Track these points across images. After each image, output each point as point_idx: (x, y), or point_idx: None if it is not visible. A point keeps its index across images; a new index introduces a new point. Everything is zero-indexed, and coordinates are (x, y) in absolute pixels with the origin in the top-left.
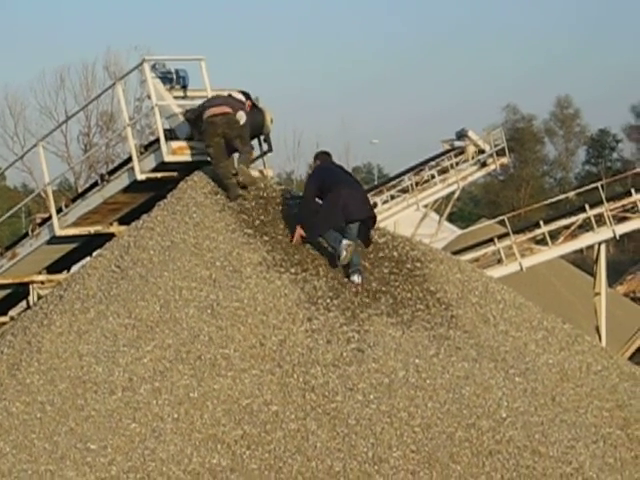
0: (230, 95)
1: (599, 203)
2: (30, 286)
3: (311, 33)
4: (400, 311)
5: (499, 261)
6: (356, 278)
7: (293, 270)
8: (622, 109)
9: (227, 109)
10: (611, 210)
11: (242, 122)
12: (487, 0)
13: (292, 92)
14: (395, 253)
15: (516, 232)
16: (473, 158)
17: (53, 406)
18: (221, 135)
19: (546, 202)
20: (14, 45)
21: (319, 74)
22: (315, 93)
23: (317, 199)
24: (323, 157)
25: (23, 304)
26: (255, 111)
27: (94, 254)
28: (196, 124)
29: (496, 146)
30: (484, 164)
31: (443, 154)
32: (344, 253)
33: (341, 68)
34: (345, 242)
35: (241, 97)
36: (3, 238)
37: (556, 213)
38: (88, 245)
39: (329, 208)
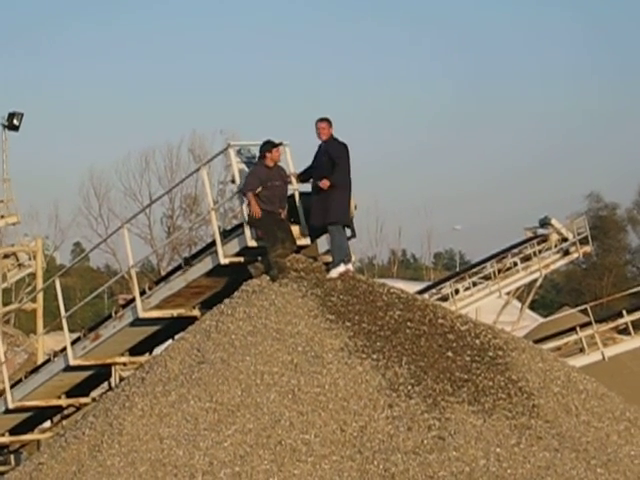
0: None
1: None
2: (112, 368)
3: (393, 116)
4: (481, 399)
5: (581, 350)
6: (350, 266)
7: (375, 356)
8: None
9: None
10: None
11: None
12: (569, 88)
13: (374, 177)
14: (477, 341)
15: (599, 321)
16: (556, 246)
17: None
18: None
19: (629, 291)
20: (100, 127)
21: (403, 156)
22: (398, 178)
23: None
24: None
25: (105, 385)
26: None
27: (176, 337)
28: None
29: (579, 234)
30: (567, 252)
31: (526, 241)
32: (334, 274)
33: (424, 150)
34: (342, 268)
35: None
36: (86, 319)
37: (639, 302)
38: (170, 328)
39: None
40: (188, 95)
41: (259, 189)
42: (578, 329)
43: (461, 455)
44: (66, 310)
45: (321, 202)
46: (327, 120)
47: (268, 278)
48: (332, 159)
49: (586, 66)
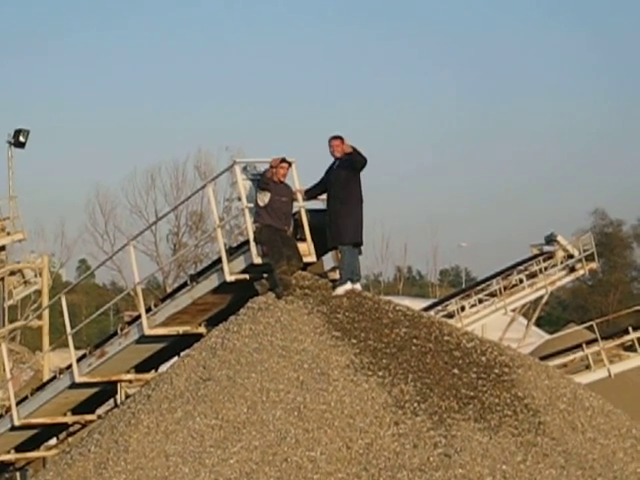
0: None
1: None
2: (118, 385)
3: (398, 134)
4: (488, 416)
5: (587, 367)
6: (358, 286)
7: (381, 373)
8: None
9: None
10: None
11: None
12: (574, 106)
13: (380, 194)
14: (483, 358)
15: (605, 338)
16: (562, 263)
17: None
18: None
19: (635, 308)
20: (106, 144)
21: (408, 173)
22: (404, 195)
23: None
24: None
25: (111, 402)
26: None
27: (182, 354)
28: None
29: (585, 251)
30: (573, 269)
31: (532, 258)
32: (340, 291)
33: (430, 168)
34: (349, 286)
35: None
36: (92, 336)
37: None
38: (176, 345)
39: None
40: (194, 112)
41: (268, 196)
42: (584, 346)
43: (467, 472)
44: (72, 327)
45: (334, 221)
46: (340, 137)
47: (274, 295)
48: (354, 170)
49: (591, 84)
